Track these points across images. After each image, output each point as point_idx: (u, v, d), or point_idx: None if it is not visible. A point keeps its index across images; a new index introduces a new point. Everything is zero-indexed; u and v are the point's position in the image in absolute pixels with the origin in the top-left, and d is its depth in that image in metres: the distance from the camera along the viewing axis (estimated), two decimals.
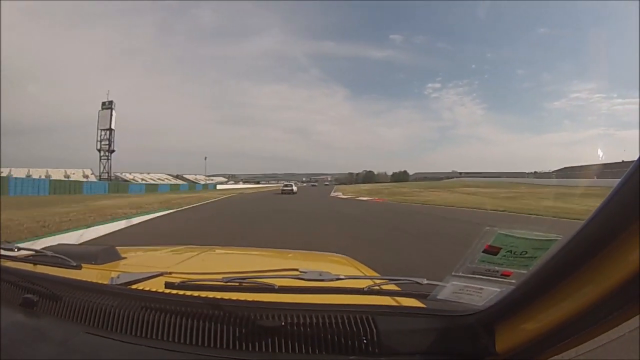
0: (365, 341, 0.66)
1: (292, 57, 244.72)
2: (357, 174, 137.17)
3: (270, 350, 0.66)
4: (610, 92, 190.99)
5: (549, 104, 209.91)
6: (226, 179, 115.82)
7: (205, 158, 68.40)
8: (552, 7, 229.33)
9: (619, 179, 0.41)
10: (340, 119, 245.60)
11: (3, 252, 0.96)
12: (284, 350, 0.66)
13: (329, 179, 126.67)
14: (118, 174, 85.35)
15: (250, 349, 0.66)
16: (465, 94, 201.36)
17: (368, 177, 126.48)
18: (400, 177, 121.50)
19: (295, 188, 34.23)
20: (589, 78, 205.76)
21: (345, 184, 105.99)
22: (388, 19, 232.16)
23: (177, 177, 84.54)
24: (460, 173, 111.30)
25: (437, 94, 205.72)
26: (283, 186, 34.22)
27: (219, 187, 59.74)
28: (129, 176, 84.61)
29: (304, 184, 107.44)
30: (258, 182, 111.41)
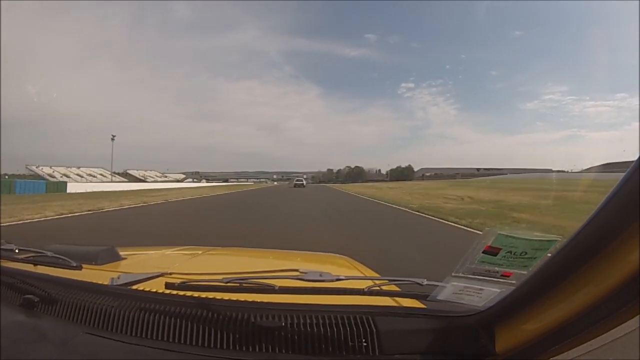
0: (365, 342, 0.68)
1: (266, 53, 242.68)
2: (339, 171, 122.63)
3: (270, 351, 0.68)
4: (582, 95, 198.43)
5: (522, 105, 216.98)
6: (184, 176, 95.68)
7: (113, 138, 48.20)
8: (526, 10, 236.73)
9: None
10: (312, 116, 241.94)
11: (3, 253, 0.96)
12: (284, 351, 0.68)
13: (305, 176, 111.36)
14: (33, 168, 62.67)
15: (250, 349, 0.68)
16: (439, 94, 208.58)
17: (355, 175, 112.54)
18: (403, 173, 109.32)
19: (304, 182, 44.54)
20: (562, 80, 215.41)
21: (325, 182, 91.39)
22: (363, 18, 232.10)
23: (124, 174, 64.62)
24: (478, 169, 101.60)
25: (410, 93, 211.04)
26: (296, 180, 44.48)
27: (147, 186, 36.81)
28: (47, 170, 62.53)
29: (275, 183, 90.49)
30: (226, 181, 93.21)
